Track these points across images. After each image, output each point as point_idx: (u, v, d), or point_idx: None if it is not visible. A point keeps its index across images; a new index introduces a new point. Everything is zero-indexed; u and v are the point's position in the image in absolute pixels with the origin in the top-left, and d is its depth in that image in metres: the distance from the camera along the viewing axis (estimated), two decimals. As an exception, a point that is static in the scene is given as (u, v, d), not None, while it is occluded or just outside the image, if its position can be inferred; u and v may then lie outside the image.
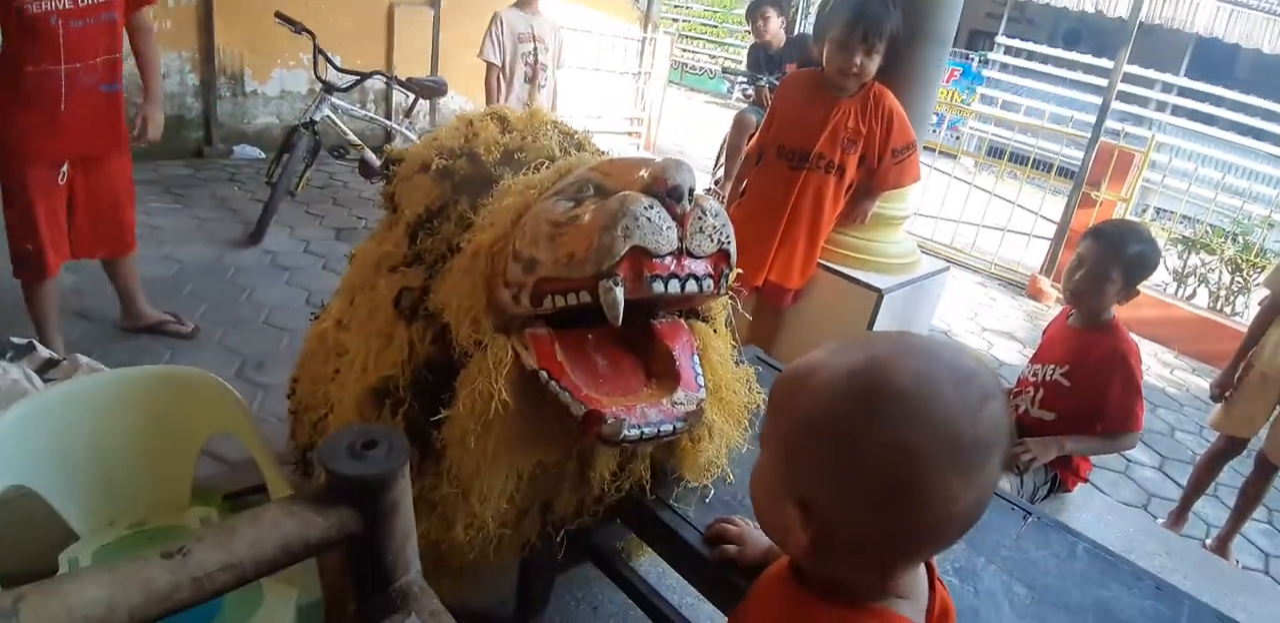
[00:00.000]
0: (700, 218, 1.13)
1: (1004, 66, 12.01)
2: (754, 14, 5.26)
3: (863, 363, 0.73)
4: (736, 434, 1.43)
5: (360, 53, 6.01)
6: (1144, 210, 7.20)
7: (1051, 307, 5.76)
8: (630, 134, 8.30)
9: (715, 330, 1.42)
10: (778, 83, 3.81)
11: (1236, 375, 2.99)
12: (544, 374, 1.17)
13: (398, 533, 0.93)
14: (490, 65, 4.70)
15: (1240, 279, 5.56)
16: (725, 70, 11.79)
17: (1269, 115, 9.66)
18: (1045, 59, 11.51)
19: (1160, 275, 5.12)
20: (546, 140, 1.58)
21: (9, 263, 2.73)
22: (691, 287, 1.14)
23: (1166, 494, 3.51)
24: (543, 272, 1.16)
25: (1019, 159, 6.84)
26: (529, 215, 1.23)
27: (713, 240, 1.15)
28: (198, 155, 5.63)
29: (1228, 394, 3.02)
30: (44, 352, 2.10)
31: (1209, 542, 3.11)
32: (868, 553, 0.76)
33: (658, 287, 1.12)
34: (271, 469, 1.61)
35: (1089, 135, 6.00)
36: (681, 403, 1.18)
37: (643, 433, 1.12)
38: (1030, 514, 1.56)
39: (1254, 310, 3.24)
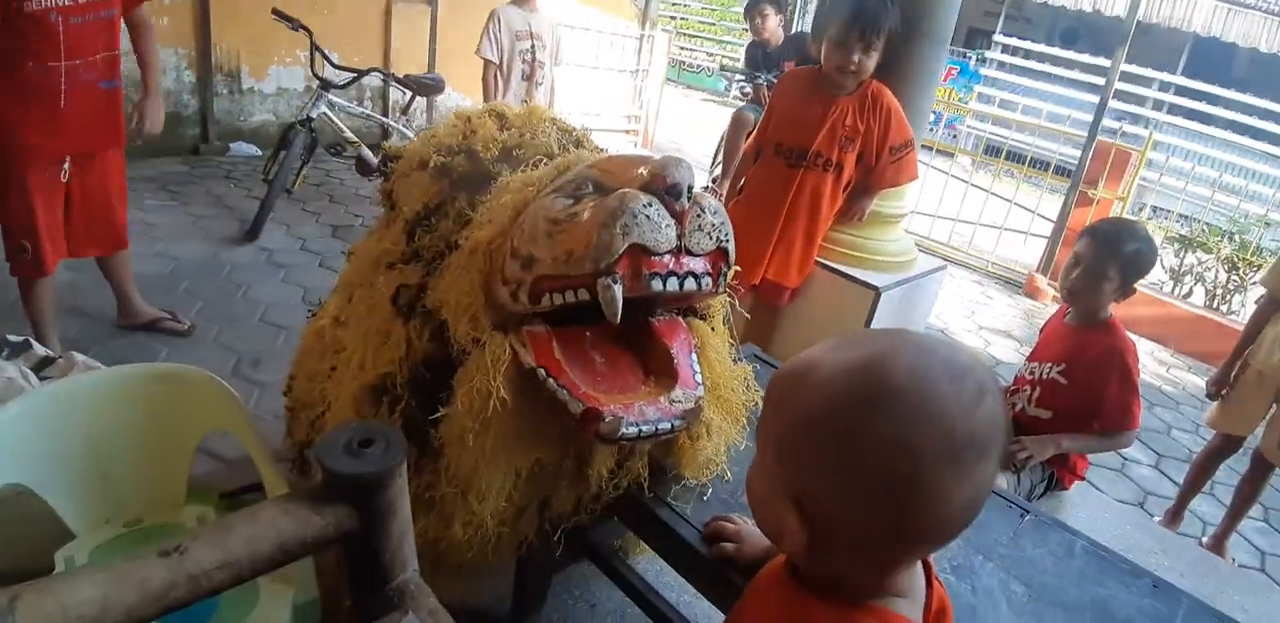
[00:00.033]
0: (699, 216, 1.13)
1: (1001, 65, 12.00)
2: (752, 12, 5.26)
3: (859, 360, 0.73)
4: (734, 432, 1.43)
5: (357, 50, 6.01)
6: (1141, 209, 7.20)
7: (1048, 305, 5.76)
8: (628, 132, 8.29)
9: (713, 328, 1.42)
10: (775, 81, 3.81)
11: (1233, 374, 2.99)
12: (542, 372, 1.17)
13: (395, 531, 0.93)
14: (488, 63, 4.69)
15: (1237, 278, 5.57)
16: (723, 68, 11.77)
17: (1266, 114, 9.67)
18: (1043, 57, 11.51)
19: (1157, 274, 5.13)
20: (545, 137, 1.58)
21: (3, 260, 2.72)
22: (690, 285, 1.14)
23: (1163, 492, 3.51)
24: (541, 269, 1.16)
25: (1016, 157, 6.84)
26: (527, 213, 1.23)
27: (711, 238, 1.15)
28: (194, 152, 5.61)
29: (1224, 393, 3.02)
30: (40, 349, 2.10)
31: (1205, 540, 3.11)
32: (865, 551, 0.76)
33: (656, 285, 1.12)
34: (268, 467, 1.61)
35: (1086, 134, 6.00)
36: (679, 401, 1.18)
37: (640, 431, 1.12)
38: (1028, 512, 1.56)
39: (1250, 309, 3.24)
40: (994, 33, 12.43)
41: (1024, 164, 6.61)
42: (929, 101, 3.26)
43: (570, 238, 1.13)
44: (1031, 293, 5.96)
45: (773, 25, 5.22)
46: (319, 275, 3.98)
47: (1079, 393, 2.24)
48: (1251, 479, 3.01)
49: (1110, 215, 5.51)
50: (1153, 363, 5.06)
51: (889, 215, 3.10)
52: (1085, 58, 10.87)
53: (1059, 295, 2.65)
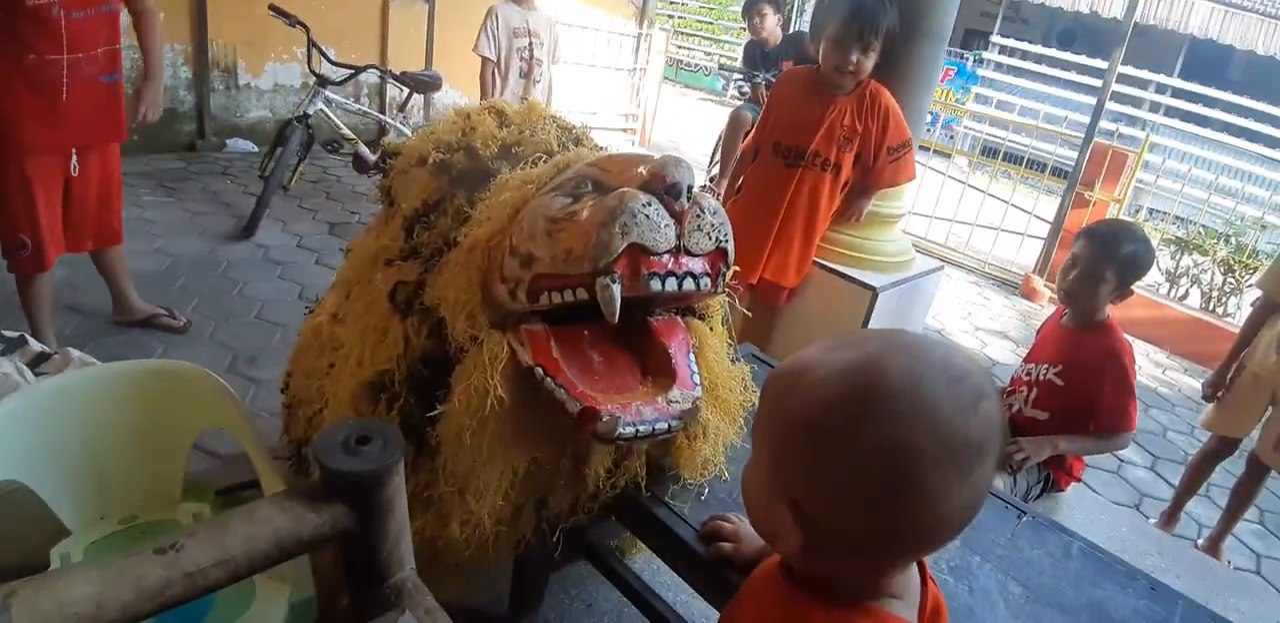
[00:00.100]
0: (698, 216, 1.13)
1: (999, 66, 12.02)
2: (750, 11, 5.25)
3: (855, 361, 0.73)
4: (732, 433, 1.43)
5: (355, 46, 6.01)
6: (1137, 211, 7.22)
7: (1045, 306, 5.77)
8: (625, 130, 8.29)
9: (712, 328, 1.42)
10: (774, 80, 3.80)
11: (1229, 376, 3.00)
12: (539, 371, 1.17)
13: (392, 530, 0.93)
14: (485, 60, 4.68)
15: (1233, 280, 5.58)
16: (721, 67, 11.79)
17: (1263, 117, 9.68)
18: (1040, 59, 11.52)
19: (1153, 276, 5.14)
20: (544, 135, 1.58)
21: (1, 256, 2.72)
22: (689, 285, 1.14)
23: (1159, 494, 3.52)
24: (540, 268, 1.16)
25: (1013, 159, 6.85)
26: (526, 211, 1.23)
27: (710, 238, 1.15)
28: (190, 149, 5.60)
29: (1220, 395, 3.02)
30: (36, 345, 2.09)
31: (1201, 542, 3.12)
32: (860, 553, 0.76)
33: (655, 284, 1.11)
34: (264, 464, 1.60)
35: (1083, 135, 6.01)
36: (677, 401, 1.17)
37: (638, 431, 1.12)
38: (1025, 514, 1.56)
39: (1246, 311, 3.25)
40: (991, 34, 12.45)
41: (1021, 165, 6.63)
42: (927, 102, 3.26)
43: (569, 237, 1.13)
44: (1028, 294, 5.97)
45: (771, 24, 5.21)
46: (315, 272, 3.97)
47: (1075, 394, 2.24)
48: (1247, 482, 3.01)
49: (1107, 217, 5.53)
50: (1149, 365, 5.07)
51: (887, 215, 3.10)
52: (1082, 59, 10.88)
53: (1056, 297, 2.65)
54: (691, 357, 1.26)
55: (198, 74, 5.50)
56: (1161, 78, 10.77)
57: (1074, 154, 6.18)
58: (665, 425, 1.14)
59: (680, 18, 15.16)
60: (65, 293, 3.22)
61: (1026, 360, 2.44)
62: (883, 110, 2.78)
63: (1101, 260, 2.14)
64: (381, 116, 5.44)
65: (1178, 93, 10.77)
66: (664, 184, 1.10)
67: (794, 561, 0.84)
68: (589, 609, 2.05)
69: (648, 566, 1.97)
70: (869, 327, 2.90)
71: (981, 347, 4.87)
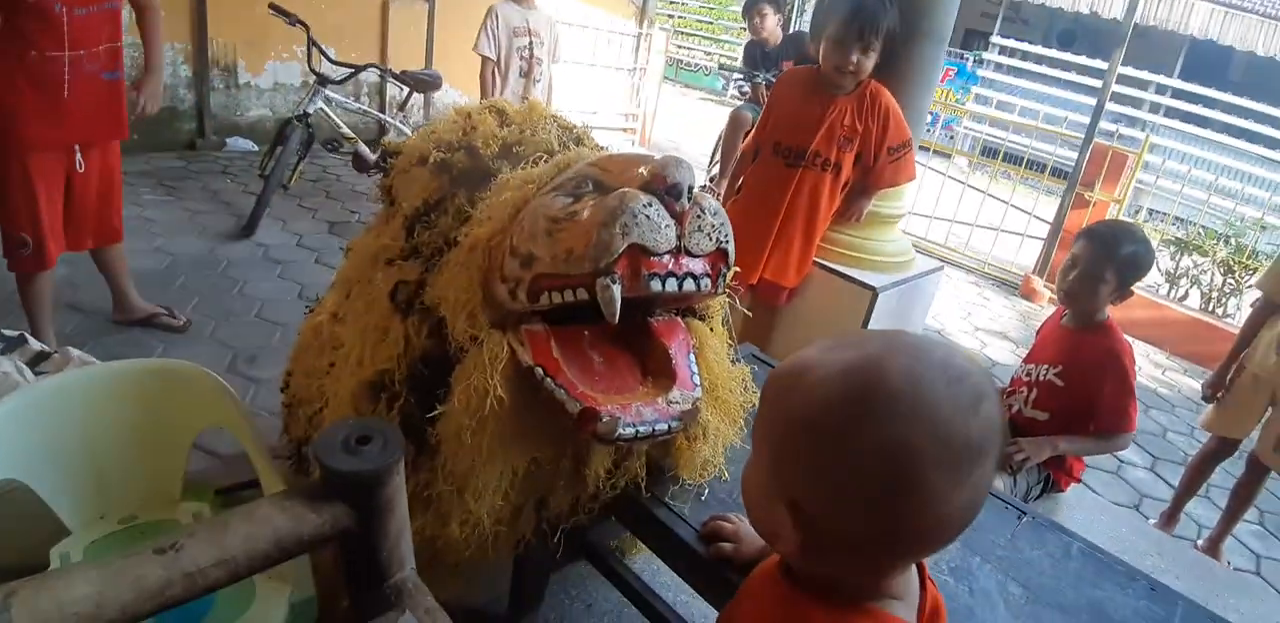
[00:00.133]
0: (699, 216, 1.13)
1: (999, 66, 12.02)
2: (750, 11, 5.25)
3: (856, 361, 0.72)
4: (732, 434, 1.43)
5: (355, 45, 6.01)
6: (1137, 212, 7.22)
7: (1044, 307, 5.77)
8: (625, 130, 8.29)
9: (712, 329, 1.42)
10: (774, 80, 3.80)
11: (1228, 377, 3.00)
12: (539, 371, 1.17)
13: (392, 529, 0.93)
14: (485, 59, 4.67)
15: (1232, 281, 5.58)
16: (722, 67, 11.78)
17: (1262, 118, 9.69)
18: (1040, 59, 11.53)
19: (1153, 277, 5.14)
20: (545, 134, 1.58)
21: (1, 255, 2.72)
22: (689, 286, 1.14)
23: (1158, 495, 3.52)
24: (540, 268, 1.15)
25: (1013, 159, 6.85)
26: (527, 210, 1.23)
27: (711, 239, 1.14)
28: (190, 147, 5.60)
29: (1220, 395, 3.02)
30: (35, 344, 2.09)
31: (1200, 543, 3.12)
32: (860, 554, 0.76)
33: (655, 285, 1.11)
34: (264, 464, 1.60)
35: (1083, 136, 6.01)
36: (677, 402, 1.17)
37: (638, 432, 1.12)
38: (1025, 514, 1.56)
39: (1246, 312, 3.24)
40: (991, 34, 12.45)
41: (1021, 166, 6.63)
42: (927, 102, 3.26)
43: (570, 237, 1.13)
44: (1027, 294, 5.97)
45: (771, 24, 5.21)
46: (315, 271, 3.97)
47: (1075, 395, 2.24)
48: (1247, 482, 3.01)
49: (1106, 218, 5.53)
50: (1148, 366, 5.07)
51: (887, 216, 3.10)
52: (1082, 60, 10.89)
53: (1055, 297, 2.65)
54: (692, 357, 1.26)
55: (198, 73, 5.49)
56: (1161, 79, 10.77)
57: (1074, 155, 6.18)
58: (665, 426, 1.14)
59: (680, 17, 15.16)
60: (65, 291, 3.22)
61: (1026, 361, 2.44)
62: (883, 110, 2.78)
63: (1101, 261, 2.14)
64: (381, 116, 5.44)
65: (1178, 94, 10.78)
66: (665, 184, 1.10)
67: (793, 561, 0.84)
68: (589, 610, 2.04)
69: (648, 566, 1.97)
70: (869, 327, 2.90)
71: (981, 347, 4.87)
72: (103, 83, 2.62)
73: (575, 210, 1.15)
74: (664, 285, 1.12)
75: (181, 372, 1.70)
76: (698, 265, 1.15)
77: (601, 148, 1.61)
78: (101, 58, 2.58)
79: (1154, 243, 2.72)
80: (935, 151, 7.84)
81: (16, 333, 2.10)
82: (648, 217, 1.08)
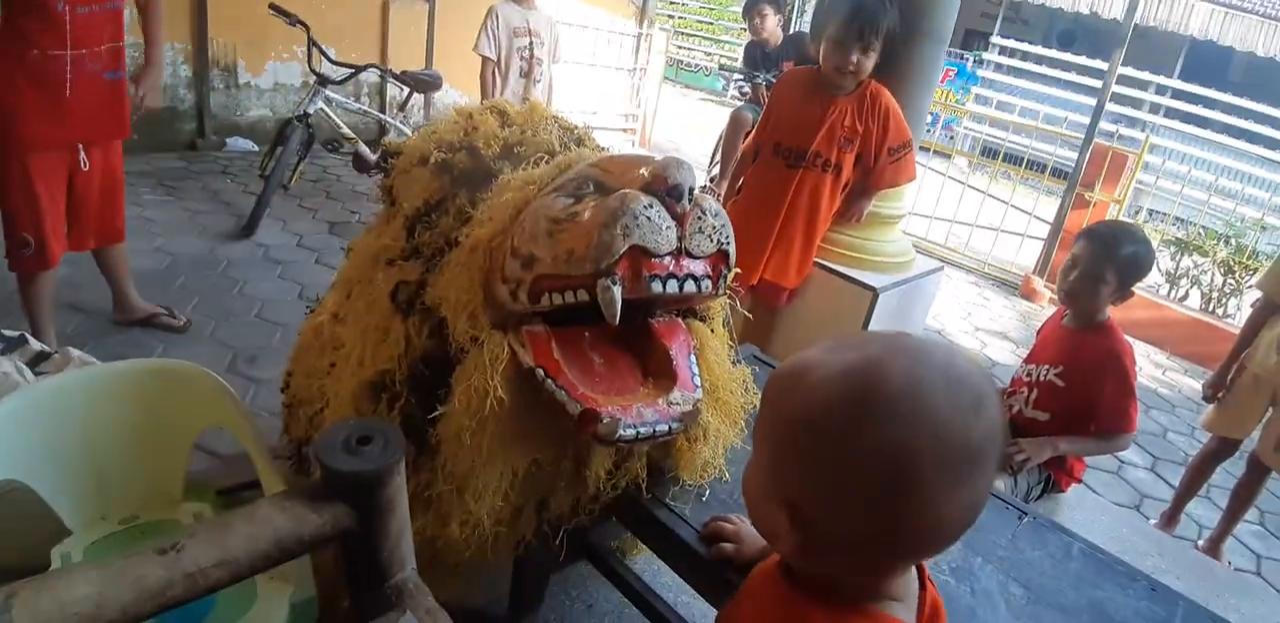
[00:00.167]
0: (700, 218, 1.13)
1: (999, 67, 12.02)
2: (750, 11, 5.25)
3: (857, 363, 0.72)
4: (733, 435, 1.43)
5: (355, 46, 6.01)
6: (1137, 212, 7.22)
7: (1045, 307, 5.77)
8: (625, 130, 8.29)
9: (713, 330, 1.42)
10: (774, 80, 3.80)
11: (1229, 377, 3.00)
12: (540, 372, 1.17)
13: (393, 530, 0.93)
14: (485, 60, 4.67)
15: (1233, 281, 5.58)
16: (722, 67, 11.78)
17: (1263, 118, 9.69)
18: (1040, 60, 11.53)
19: (1153, 277, 5.14)
20: (546, 135, 1.58)
21: (1, 255, 2.71)
22: (690, 287, 1.14)
23: (1159, 495, 3.52)
24: (541, 269, 1.15)
25: (1013, 159, 6.85)
26: (528, 211, 1.23)
27: (712, 241, 1.14)
28: (190, 148, 5.60)
29: (1220, 396, 3.02)
30: (36, 345, 2.08)
31: (1201, 543, 3.12)
32: (857, 555, 0.76)
33: (656, 287, 1.11)
34: (265, 464, 1.60)
35: (1083, 136, 6.02)
36: (678, 403, 1.17)
37: (638, 433, 1.12)
38: (1026, 515, 1.56)
39: (1246, 312, 3.24)
40: (991, 34, 12.45)
41: (1021, 166, 6.63)
42: (928, 102, 3.26)
43: (571, 238, 1.13)
44: (1028, 295, 5.97)
45: (771, 25, 5.21)
46: (315, 272, 3.97)
47: (1076, 395, 2.24)
48: (1247, 483, 3.01)
49: (1107, 218, 5.53)
50: (1149, 366, 5.07)
51: (887, 216, 3.10)
52: (1082, 60, 10.89)
53: (1056, 297, 2.65)
54: (692, 358, 1.26)
55: (198, 73, 5.50)
56: (1161, 79, 10.77)
57: (1074, 155, 6.18)
58: (666, 427, 1.14)
59: (680, 18, 15.15)
60: (66, 292, 3.21)
61: (1027, 361, 2.44)
62: (883, 111, 2.78)
63: (1102, 261, 2.14)
64: (382, 116, 5.44)
65: (1178, 94, 10.78)
66: (666, 186, 1.10)
67: (793, 561, 0.84)
68: (589, 610, 2.04)
69: (648, 566, 1.97)
70: (869, 327, 2.90)
71: (981, 347, 4.87)
72: (104, 82, 2.63)
73: (576, 211, 1.15)
74: (665, 287, 1.12)
75: (182, 372, 1.70)
76: (698, 267, 1.15)
77: (602, 149, 1.61)
78: (103, 57, 2.59)
79: (1154, 243, 2.72)
80: (935, 152, 7.85)
81: (17, 333, 2.10)
82: (649, 218, 1.08)
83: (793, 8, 9.00)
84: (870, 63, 2.68)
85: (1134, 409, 2.18)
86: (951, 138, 11.09)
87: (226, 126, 5.78)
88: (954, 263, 6.28)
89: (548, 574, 1.93)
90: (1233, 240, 5.82)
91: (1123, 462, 3.75)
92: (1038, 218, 6.39)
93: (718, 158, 5.65)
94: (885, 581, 0.79)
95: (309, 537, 0.84)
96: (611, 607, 2.05)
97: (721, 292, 1.22)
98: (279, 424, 2.04)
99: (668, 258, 1.11)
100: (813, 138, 2.79)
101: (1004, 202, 6.37)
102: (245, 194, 4.81)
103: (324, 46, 4.68)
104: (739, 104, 5.62)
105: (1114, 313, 2.25)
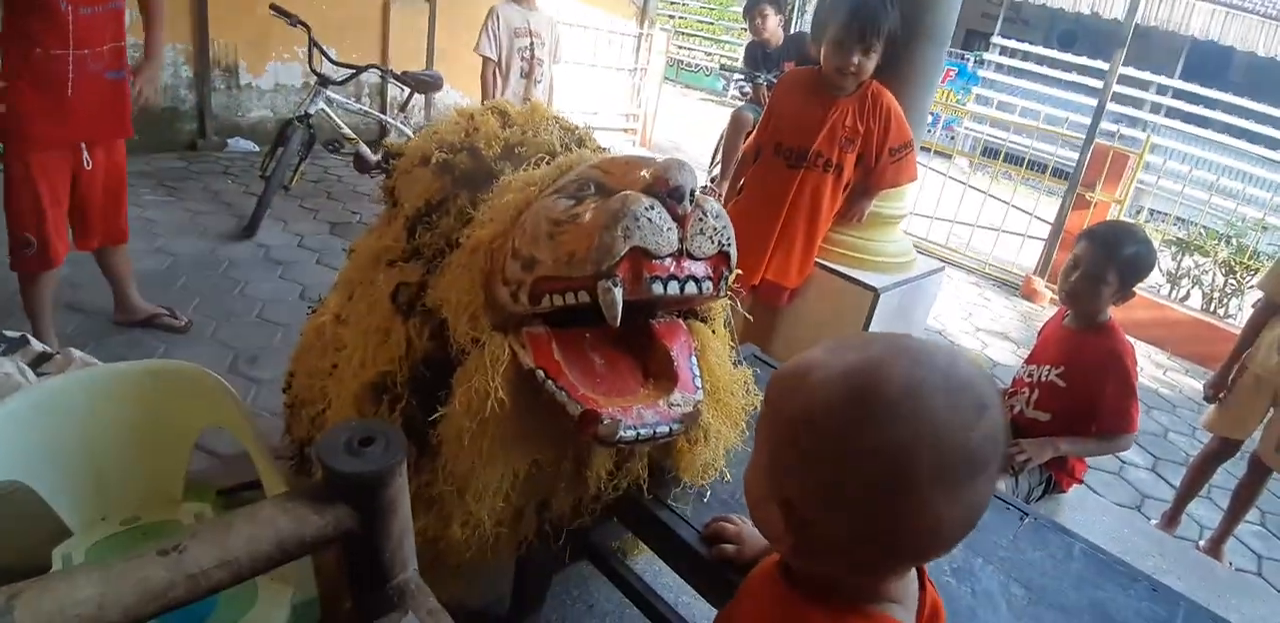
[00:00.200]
0: (701, 219, 1.13)
1: (999, 67, 12.02)
2: (751, 12, 5.24)
3: (859, 364, 0.72)
4: (734, 436, 1.43)
5: (356, 46, 6.01)
6: (1138, 212, 7.21)
7: (1046, 307, 5.77)
8: (626, 131, 8.29)
9: (714, 331, 1.42)
10: (775, 81, 3.80)
11: (1230, 377, 3.00)
12: (541, 373, 1.17)
13: (395, 531, 0.93)
14: (486, 60, 4.68)
15: (1234, 281, 5.58)
16: (723, 68, 11.76)
17: (1264, 118, 9.69)
18: (1041, 60, 11.53)
19: (1154, 277, 5.13)
20: (547, 135, 1.58)
21: (3, 255, 2.71)
22: (691, 289, 1.14)
23: (1160, 496, 3.51)
24: (542, 270, 1.15)
25: (1014, 160, 6.85)
26: (529, 213, 1.23)
27: (713, 242, 1.15)
28: (191, 148, 5.60)
29: (1221, 396, 3.02)
30: (37, 345, 2.09)
31: (1202, 543, 3.11)
32: (851, 556, 0.76)
33: (657, 288, 1.11)
34: (266, 464, 1.60)
35: (1084, 137, 6.01)
36: (678, 404, 1.17)
37: (639, 434, 1.12)
38: (1027, 515, 1.56)
39: (1247, 312, 3.24)
40: (992, 35, 12.46)
41: (1021, 166, 6.63)
42: (928, 102, 3.25)
43: (572, 239, 1.13)
44: (1029, 295, 5.97)
45: (772, 25, 5.21)
46: (316, 272, 3.97)
47: (1077, 396, 2.23)
48: (1249, 483, 3.01)
49: (1108, 218, 5.52)
50: (1150, 366, 5.07)
51: (888, 216, 3.10)
52: (1083, 60, 10.89)
53: (1057, 298, 2.65)
54: (693, 359, 1.26)
55: (199, 73, 5.50)
56: (1162, 79, 10.78)
57: (1075, 155, 6.18)
58: (666, 429, 1.14)
59: (681, 18, 15.15)
60: (67, 292, 3.22)
61: (1028, 362, 2.44)
62: (884, 111, 2.78)
63: (1103, 262, 2.14)
64: (382, 116, 5.44)
65: (1179, 94, 10.78)
66: (667, 187, 1.10)
67: (792, 561, 0.84)
68: (590, 610, 2.04)
69: (649, 567, 1.97)
70: (871, 327, 2.90)
71: (982, 348, 4.87)
72: (107, 82, 2.63)
73: (577, 213, 1.15)
74: (665, 288, 1.12)
75: (183, 372, 1.70)
76: (699, 268, 1.15)
77: (603, 149, 1.61)
78: (106, 57, 2.59)
79: (1155, 243, 2.72)
80: (936, 152, 7.85)
81: (18, 334, 2.11)
82: (650, 220, 1.08)
83: (794, 8, 8.99)
84: (871, 64, 2.68)
85: (1135, 410, 2.18)
86: (952, 138, 11.09)
87: (227, 127, 5.79)
88: (955, 263, 6.28)
89: (549, 575, 1.93)
90: (1234, 240, 5.82)
91: (1124, 462, 3.74)
92: (1039, 218, 6.39)
93: (718, 158, 5.64)
94: (884, 582, 0.79)
95: (311, 538, 0.84)
96: (612, 607, 2.05)
97: (723, 293, 1.22)
98: (280, 425, 2.05)
99: (669, 259, 1.12)
100: (814, 138, 2.79)
101: (1005, 202, 6.37)
102: (246, 195, 4.81)
103: (325, 47, 4.68)
104: (740, 104, 5.62)
105: (1115, 313, 2.25)
